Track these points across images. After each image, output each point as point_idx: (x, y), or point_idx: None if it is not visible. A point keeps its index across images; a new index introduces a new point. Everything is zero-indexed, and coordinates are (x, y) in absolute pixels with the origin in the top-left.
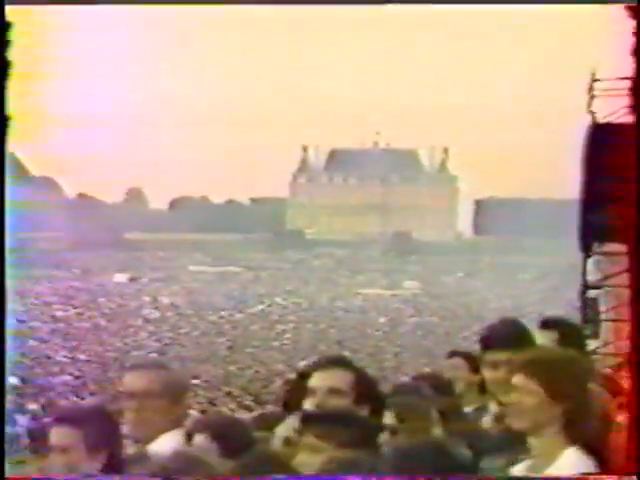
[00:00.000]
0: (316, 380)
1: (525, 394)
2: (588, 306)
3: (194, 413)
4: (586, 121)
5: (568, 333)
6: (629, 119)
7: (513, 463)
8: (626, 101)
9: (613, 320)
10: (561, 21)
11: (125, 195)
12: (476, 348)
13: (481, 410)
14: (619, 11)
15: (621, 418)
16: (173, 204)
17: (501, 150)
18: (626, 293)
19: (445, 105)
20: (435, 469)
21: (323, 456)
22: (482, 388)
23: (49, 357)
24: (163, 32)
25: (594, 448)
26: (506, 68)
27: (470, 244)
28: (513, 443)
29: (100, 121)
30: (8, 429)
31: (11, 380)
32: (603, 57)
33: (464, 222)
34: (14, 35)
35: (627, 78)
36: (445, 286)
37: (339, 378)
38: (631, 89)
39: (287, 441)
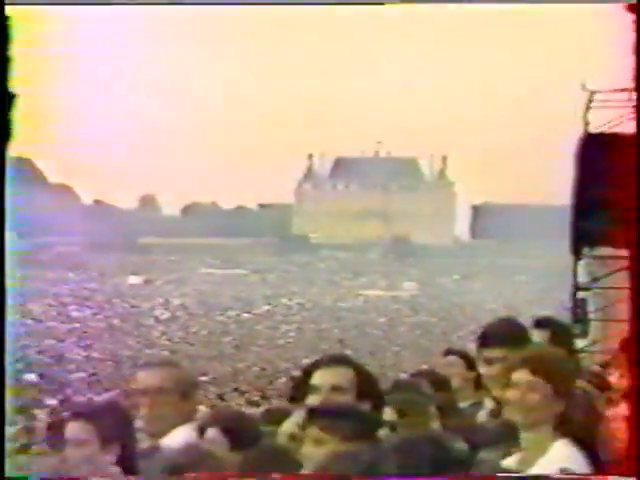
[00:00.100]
0: (319, 378)
1: (530, 390)
2: (578, 307)
3: (204, 408)
4: (580, 130)
5: (559, 332)
6: (621, 129)
7: (506, 456)
8: (619, 112)
9: (602, 320)
10: (560, 23)
11: (139, 201)
12: (471, 347)
13: (476, 405)
14: (619, 10)
15: (609, 413)
16: (185, 210)
17: (497, 158)
18: (614, 295)
19: (444, 114)
20: (432, 461)
21: (326, 448)
22: (477, 384)
23: (66, 355)
24: (168, 36)
25: (584, 441)
26: (504, 75)
27: (466, 248)
28: (508, 437)
29: (115, 130)
30: (28, 423)
31: (30, 377)
32: (603, 58)
33: (461, 227)
34: (15, 35)
35: (621, 90)
36: (442, 288)
37: (341, 375)
38: (633, 90)
39: (292, 436)
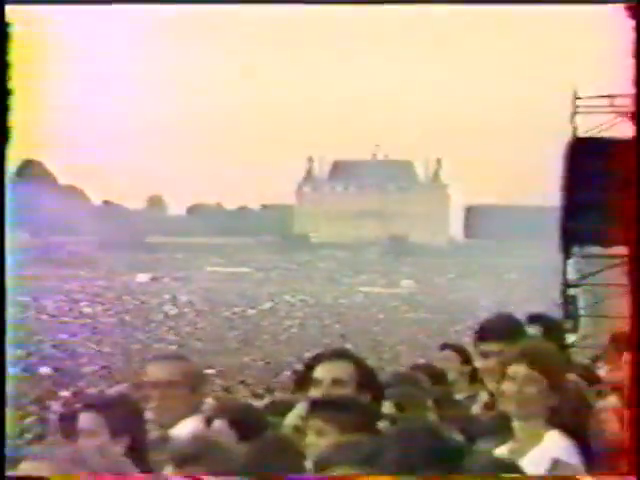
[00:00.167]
0: (320, 371)
1: (526, 383)
2: (568, 303)
3: (211, 401)
4: (569, 135)
5: (550, 327)
6: (608, 134)
7: (499, 446)
8: (606, 118)
9: (591, 316)
10: (554, 26)
11: (146, 202)
12: (466, 342)
13: (471, 398)
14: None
15: (599, 405)
16: (190, 210)
17: (490, 161)
18: (603, 291)
19: (438, 119)
20: (429, 452)
21: (328, 439)
22: (472, 378)
23: (78, 349)
24: (171, 36)
25: (575, 432)
26: (497, 80)
27: (461, 247)
28: (502, 428)
29: (123, 134)
30: (42, 414)
31: (44, 370)
32: (594, 62)
33: (455, 227)
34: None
35: (608, 96)
36: (438, 285)
37: (341, 369)
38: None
39: (295, 428)
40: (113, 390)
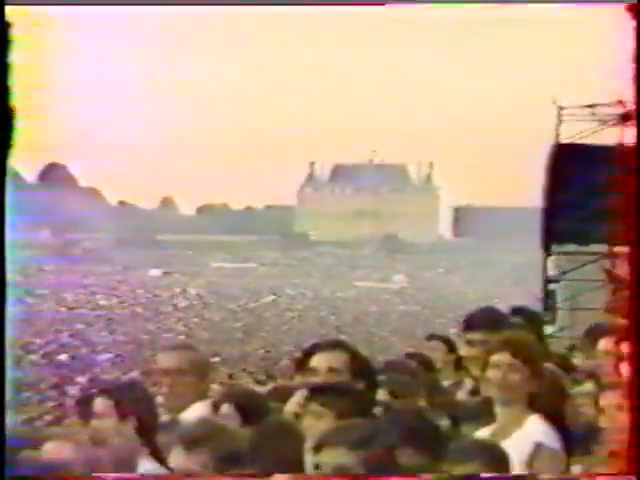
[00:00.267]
0: (317, 361)
1: (510, 370)
2: (548, 297)
3: (217, 387)
4: (551, 141)
5: (531, 319)
6: (589, 141)
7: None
8: (588, 125)
9: (568, 309)
10: (546, 34)
11: (159, 202)
12: (453, 332)
13: (457, 385)
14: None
15: (575, 391)
16: (199, 210)
17: (477, 165)
18: (580, 286)
19: (430, 126)
20: (419, 435)
21: (325, 422)
22: (456, 366)
23: (94, 339)
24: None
25: (553, 416)
26: (485, 89)
27: (449, 245)
28: (487, 413)
29: (138, 140)
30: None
31: (62, 357)
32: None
33: (444, 226)
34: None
35: (589, 106)
36: (428, 280)
37: (337, 359)
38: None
39: (295, 415)
40: (124, 377)
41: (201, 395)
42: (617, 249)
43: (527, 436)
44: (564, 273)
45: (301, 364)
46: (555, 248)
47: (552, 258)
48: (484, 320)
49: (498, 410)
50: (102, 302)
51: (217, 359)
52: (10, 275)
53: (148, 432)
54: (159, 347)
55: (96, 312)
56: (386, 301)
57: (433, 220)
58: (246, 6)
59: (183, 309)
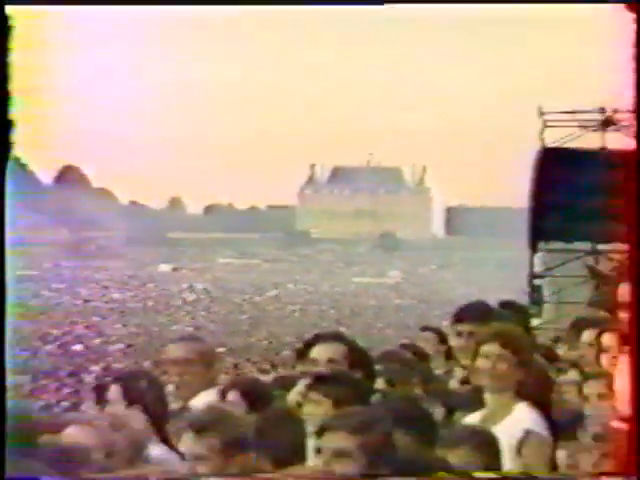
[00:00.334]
0: (317, 352)
1: (499, 360)
2: (534, 292)
3: (224, 376)
4: (538, 145)
5: (518, 312)
6: (572, 145)
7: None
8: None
9: (553, 303)
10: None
11: (168, 202)
12: (444, 324)
13: (448, 373)
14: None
15: (559, 380)
16: (206, 210)
17: (467, 168)
18: (564, 281)
19: (425, 132)
20: (413, 421)
21: (325, 409)
22: (447, 355)
23: (107, 330)
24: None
25: (539, 404)
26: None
27: (442, 243)
28: (477, 401)
29: (147, 143)
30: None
31: (78, 347)
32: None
33: (437, 225)
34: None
35: (572, 112)
36: (422, 276)
37: (336, 350)
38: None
39: (297, 404)
40: (135, 366)
41: (209, 383)
42: (600, 247)
43: (516, 423)
44: (549, 269)
45: (302, 354)
46: (541, 246)
47: (538, 255)
48: (473, 313)
49: (488, 397)
50: (115, 296)
51: (223, 349)
52: (29, 271)
53: (158, 418)
54: (169, 339)
55: (109, 305)
56: (382, 295)
57: (426, 219)
58: (246, 6)
59: (191, 302)
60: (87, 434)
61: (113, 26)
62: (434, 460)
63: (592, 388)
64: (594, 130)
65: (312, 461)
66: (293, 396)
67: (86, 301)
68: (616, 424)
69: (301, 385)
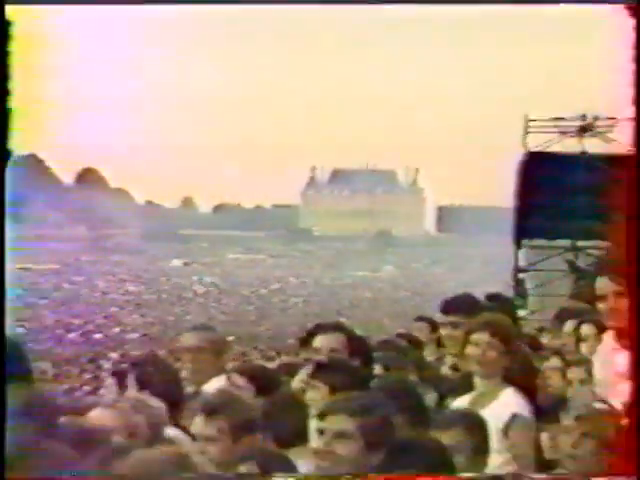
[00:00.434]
0: (319, 342)
1: (489, 348)
2: (519, 285)
3: (232, 363)
4: (522, 149)
5: (504, 304)
6: (554, 149)
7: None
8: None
9: (537, 295)
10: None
11: (180, 202)
12: (436, 315)
13: (439, 360)
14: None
15: (542, 367)
16: (216, 209)
17: (458, 170)
18: (546, 275)
19: (418, 135)
20: (407, 405)
21: (325, 394)
22: (438, 343)
23: (124, 320)
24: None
25: (524, 389)
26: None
27: (434, 239)
28: (467, 386)
29: (162, 147)
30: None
31: (97, 336)
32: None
33: (429, 223)
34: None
35: (555, 119)
36: (415, 270)
37: (336, 339)
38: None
39: (300, 390)
40: (148, 353)
41: (219, 370)
42: (579, 243)
43: (504, 407)
44: (532, 264)
45: (305, 343)
46: (525, 242)
47: (522, 251)
48: (460, 305)
49: (477, 382)
50: (131, 288)
51: (232, 338)
52: (51, 265)
53: (173, 402)
54: (181, 328)
55: (126, 297)
56: (379, 288)
57: (420, 218)
58: (246, 6)
59: (201, 295)
60: (111, 416)
61: (113, 26)
62: (428, 441)
63: (574, 373)
64: (571, 136)
65: (314, 442)
66: (296, 383)
67: (104, 293)
68: (598, 405)
69: (303, 372)
